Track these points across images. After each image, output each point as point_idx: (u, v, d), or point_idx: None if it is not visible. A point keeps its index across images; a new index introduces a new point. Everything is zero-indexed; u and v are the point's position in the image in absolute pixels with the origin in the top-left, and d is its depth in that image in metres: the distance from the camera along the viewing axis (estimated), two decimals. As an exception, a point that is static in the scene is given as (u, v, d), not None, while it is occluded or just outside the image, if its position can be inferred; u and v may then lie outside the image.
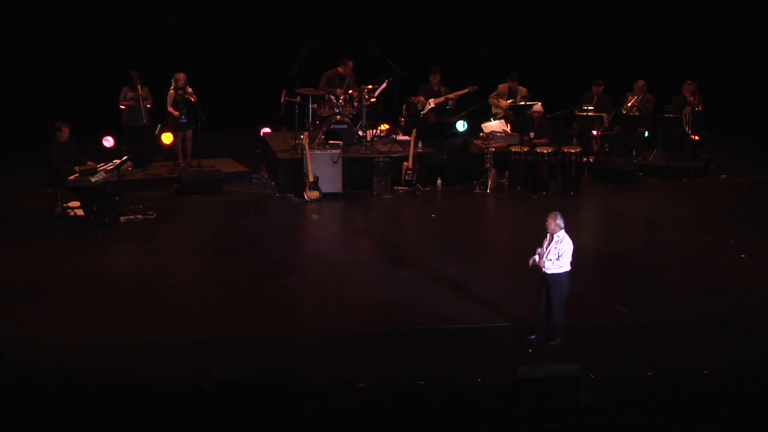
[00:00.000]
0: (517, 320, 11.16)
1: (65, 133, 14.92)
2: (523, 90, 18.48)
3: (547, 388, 9.09)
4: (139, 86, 17.03)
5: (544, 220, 10.59)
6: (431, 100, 18.08)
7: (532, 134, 17.09)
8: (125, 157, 15.57)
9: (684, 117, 17.94)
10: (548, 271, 10.47)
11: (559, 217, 10.52)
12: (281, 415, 9.23)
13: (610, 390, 9.67)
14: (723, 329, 11.12)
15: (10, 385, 9.66)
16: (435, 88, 18.21)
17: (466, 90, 18.07)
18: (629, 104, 18.20)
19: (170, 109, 17.10)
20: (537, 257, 10.51)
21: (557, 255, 10.42)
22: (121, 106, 17.11)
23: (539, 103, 17.46)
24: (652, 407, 9.36)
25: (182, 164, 17.42)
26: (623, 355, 10.44)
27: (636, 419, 9.17)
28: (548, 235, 10.51)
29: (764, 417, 9.23)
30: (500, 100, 18.42)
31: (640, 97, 18.23)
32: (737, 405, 9.43)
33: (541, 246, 10.51)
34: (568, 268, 10.48)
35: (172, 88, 17.15)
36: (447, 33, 22.44)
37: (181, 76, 17.14)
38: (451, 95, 18.11)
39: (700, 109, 18.11)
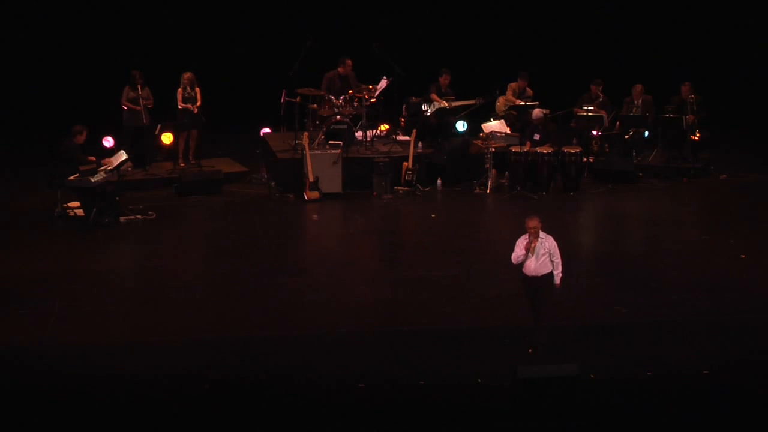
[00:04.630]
0: (517, 320, 11.15)
1: (84, 136, 15.09)
2: (530, 91, 18.55)
3: (547, 388, 9.09)
4: (139, 86, 17.07)
5: (527, 223, 10.50)
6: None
7: (537, 136, 17.07)
8: (124, 158, 15.50)
9: (684, 119, 17.93)
10: (542, 272, 10.48)
11: (538, 218, 10.56)
12: (281, 415, 9.22)
13: (610, 390, 9.67)
14: (723, 329, 11.12)
15: (10, 385, 9.66)
16: (443, 90, 18.21)
17: (473, 102, 18.06)
18: (633, 111, 18.18)
19: (181, 106, 17.23)
20: (522, 255, 10.47)
21: (548, 254, 10.42)
22: (123, 106, 17.16)
23: (538, 109, 17.44)
24: (652, 407, 9.36)
25: (182, 164, 17.44)
26: (623, 355, 10.43)
27: (636, 419, 9.17)
28: (530, 237, 10.43)
29: (764, 417, 9.23)
30: (514, 99, 18.45)
31: (639, 101, 18.23)
32: (737, 405, 9.43)
33: (526, 249, 10.49)
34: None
35: (181, 86, 17.29)
36: (447, 33, 22.45)
37: (186, 75, 17.28)
38: (456, 104, 18.09)
39: (695, 108, 18.07)
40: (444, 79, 18.20)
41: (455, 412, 9.27)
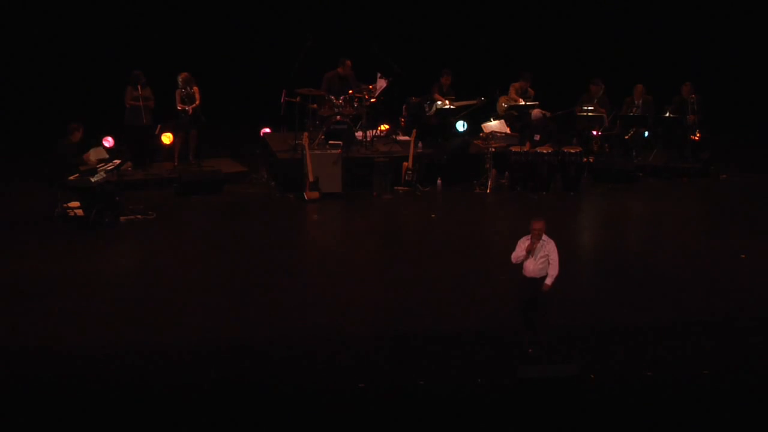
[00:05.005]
0: (517, 320, 11.14)
1: (80, 134, 15.06)
2: (531, 92, 18.57)
3: (547, 388, 9.09)
4: (140, 86, 17.08)
5: (532, 224, 10.50)
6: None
7: (537, 137, 17.08)
8: (114, 158, 15.45)
9: (686, 120, 17.94)
10: (540, 275, 10.47)
11: (544, 221, 10.56)
12: (281, 415, 9.23)
13: (610, 390, 9.68)
14: (723, 329, 11.13)
15: (10, 386, 9.66)
16: (444, 90, 18.23)
17: (474, 102, 18.09)
18: (632, 111, 18.19)
19: (180, 107, 17.25)
20: (522, 255, 10.49)
21: (547, 257, 10.43)
22: (127, 105, 17.18)
23: (537, 109, 17.45)
24: (652, 408, 9.37)
25: (175, 163, 17.45)
26: (623, 355, 10.44)
27: (636, 419, 9.17)
28: (532, 238, 10.45)
29: (764, 417, 9.24)
30: (517, 98, 18.46)
31: (639, 101, 18.24)
32: (737, 405, 9.43)
33: (527, 250, 10.48)
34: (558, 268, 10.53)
35: (178, 87, 17.30)
36: (447, 33, 22.46)
37: (182, 75, 17.28)
38: (457, 104, 18.09)
39: (696, 108, 18.06)
40: (445, 80, 18.25)
41: (455, 412, 9.27)
